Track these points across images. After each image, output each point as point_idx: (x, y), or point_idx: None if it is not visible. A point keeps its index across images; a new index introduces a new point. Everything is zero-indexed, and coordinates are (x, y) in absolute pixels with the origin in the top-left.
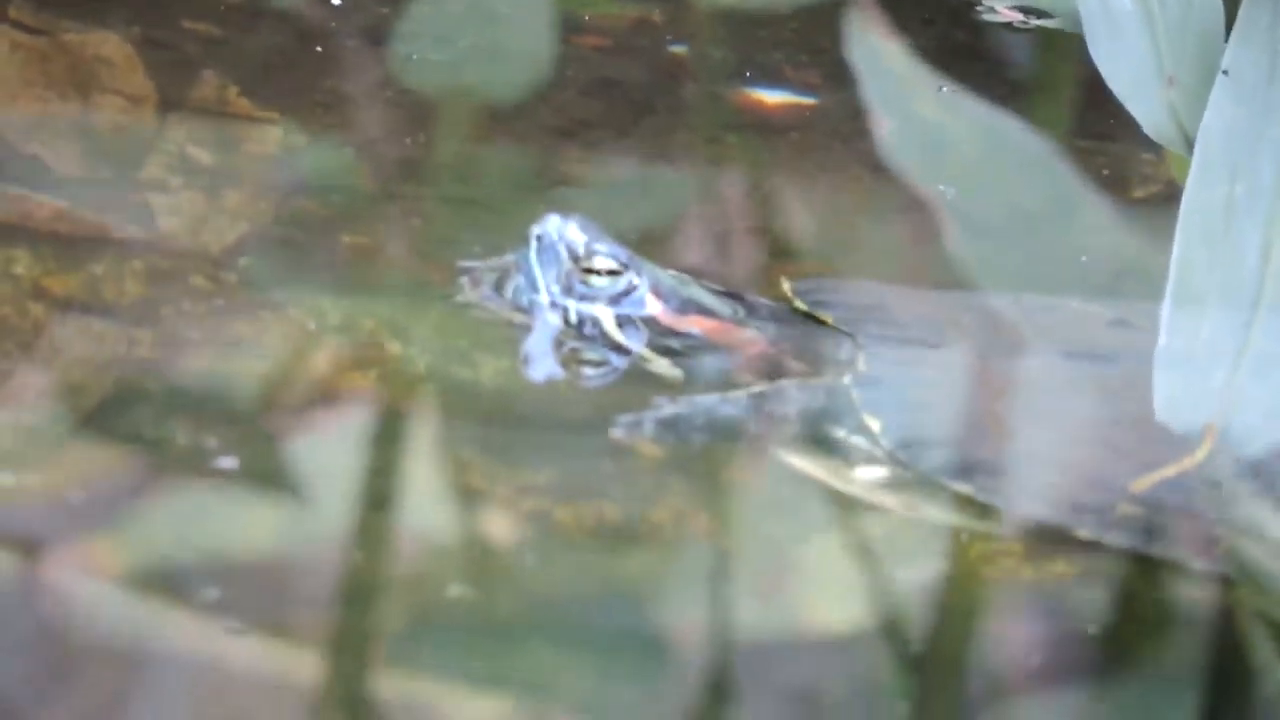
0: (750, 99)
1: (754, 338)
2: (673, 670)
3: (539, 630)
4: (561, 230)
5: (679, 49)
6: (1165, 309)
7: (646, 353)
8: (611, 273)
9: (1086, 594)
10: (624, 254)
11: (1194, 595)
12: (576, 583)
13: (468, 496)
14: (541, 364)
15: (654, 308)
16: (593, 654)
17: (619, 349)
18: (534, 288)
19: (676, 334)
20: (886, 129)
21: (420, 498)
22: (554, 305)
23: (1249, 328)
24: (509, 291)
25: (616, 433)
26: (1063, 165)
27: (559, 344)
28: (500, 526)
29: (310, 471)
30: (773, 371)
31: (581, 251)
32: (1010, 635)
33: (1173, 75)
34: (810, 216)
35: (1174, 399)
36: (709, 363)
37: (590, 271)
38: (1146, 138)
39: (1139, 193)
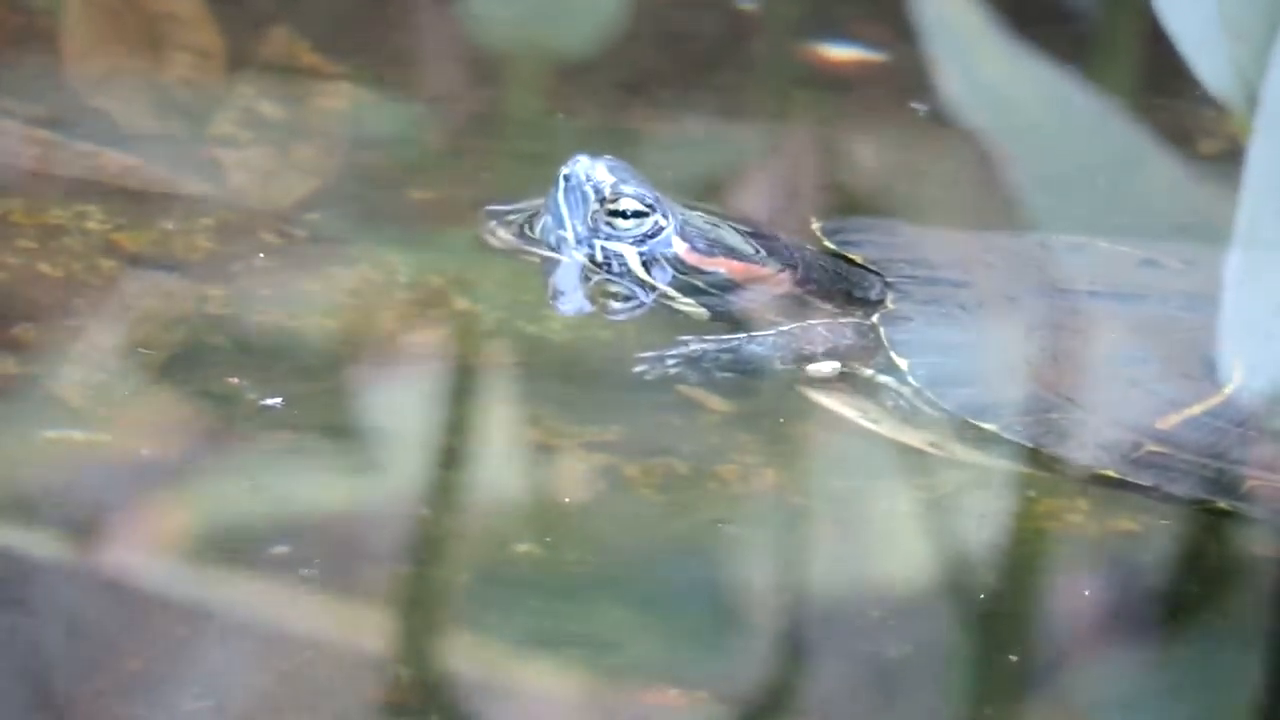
0: (818, 54)
1: (781, 277)
2: (741, 628)
3: (607, 588)
4: (589, 171)
5: (747, 4)
6: (1231, 260)
7: (671, 291)
8: (637, 214)
9: (1152, 551)
10: (651, 195)
11: (1262, 552)
12: (645, 539)
13: (536, 452)
14: (570, 298)
15: (680, 248)
16: (661, 612)
17: (645, 286)
18: (561, 227)
19: (703, 273)
20: (953, 84)
21: (488, 454)
22: (580, 244)
23: None
24: (538, 230)
25: (638, 368)
26: (1126, 121)
27: (586, 279)
28: (568, 482)
29: (379, 427)
30: (800, 311)
31: (608, 193)
32: (1076, 593)
33: (1238, 29)
34: (876, 171)
35: (1240, 352)
36: (735, 301)
37: (616, 214)
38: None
39: (1204, 148)
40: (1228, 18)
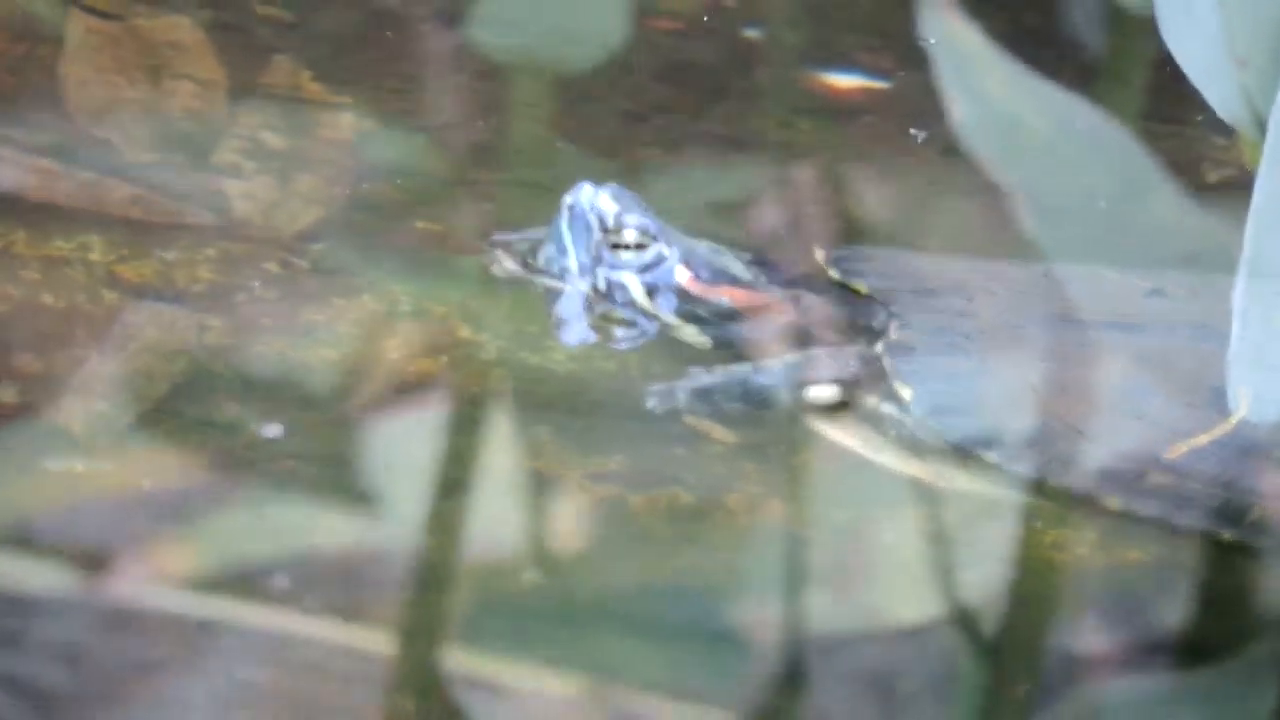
0: (823, 83)
1: (785, 307)
2: (744, 658)
3: (612, 617)
4: (593, 200)
5: (752, 32)
6: (1239, 291)
7: (674, 320)
8: (640, 244)
9: (1159, 581)
10: (654, 225)
11: (1270, 582)
12: (649, 569)
13: (540, 482)
14: (573, 328)
15: (683, 277)
16: (665, 641)
17: (648, 315)
18: (564, 255)
19: (706, 302)
20: (959, 113)
21: (493, 484)
22: (584, 272)
23: None
24: (542, 260)
25: (650, 402)
26: (1133, 148)
27: (590, 308)
28: (573, 513)
29: (383, 458)
30: (803, 340)
31: (611, 223)
32: (1084, 624)
33: (1244, 57)
34: (882, 200)
35: (1248, 383)
36: (738, 331)
37: (619, 243)
38: (1219, 121)
39: (1212, 176)
40: (1236, 45)
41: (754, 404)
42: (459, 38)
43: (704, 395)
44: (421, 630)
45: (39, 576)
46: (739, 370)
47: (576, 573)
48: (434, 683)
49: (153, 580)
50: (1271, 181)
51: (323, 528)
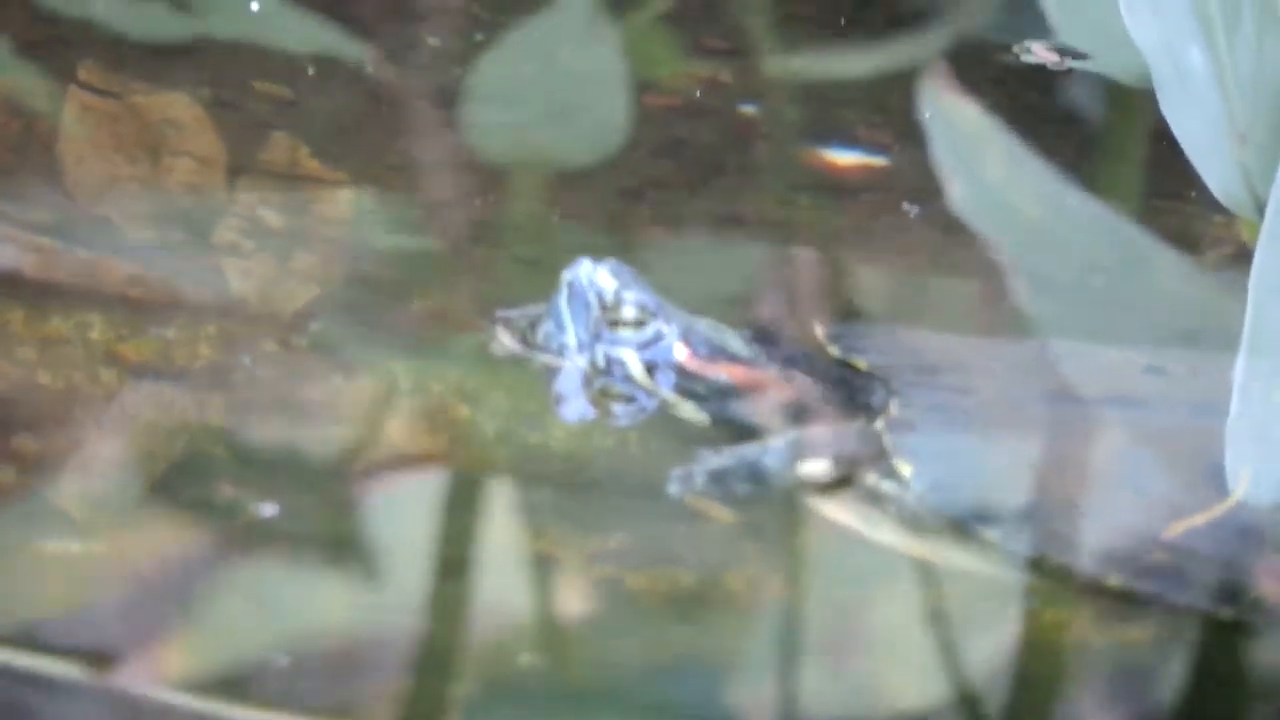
0: (821, 159)
1: (784, 384)
2: None
3: (611, 700)
4: (592, 277)
5: (749, 109)
6: (1239, 368)
7: (673, 397)
8: (639, 321)
9: (1159, 661)
10: (653, 302)
11: (1269, 660)
12: (649, 651)
13: (540, 563)
14: (572, 404)
15: (681, 354)
16: None
17: (647, 392)
18: (563, 331)
19: (705, 379)
20: (956, 191)
21: (492, 565)
22: (582, 349)
23: None
24: (540, 336)
25: (671, 488)
26: (1132, 227)
27: (589, 384)
28: (572, 594)
29: (382, 537)
30: (803, 417)
31: (609, 299)
32: (1084, 702)
33: (1244, 133)
34: (882, 277)
35: (1248, 463)
36: (737, 408)
37: (617, 322)
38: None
39: (1210, 252)
40: (1235, 123)
41: (761, 484)
42: (456, 115)
43: (719, 477)
44: (422, 716)
45: (34, 658)
46: (748, 451)
47: (576, 655)
48: None
49: (148, 664)
50: (1271, 261)
51: (321, 609)
